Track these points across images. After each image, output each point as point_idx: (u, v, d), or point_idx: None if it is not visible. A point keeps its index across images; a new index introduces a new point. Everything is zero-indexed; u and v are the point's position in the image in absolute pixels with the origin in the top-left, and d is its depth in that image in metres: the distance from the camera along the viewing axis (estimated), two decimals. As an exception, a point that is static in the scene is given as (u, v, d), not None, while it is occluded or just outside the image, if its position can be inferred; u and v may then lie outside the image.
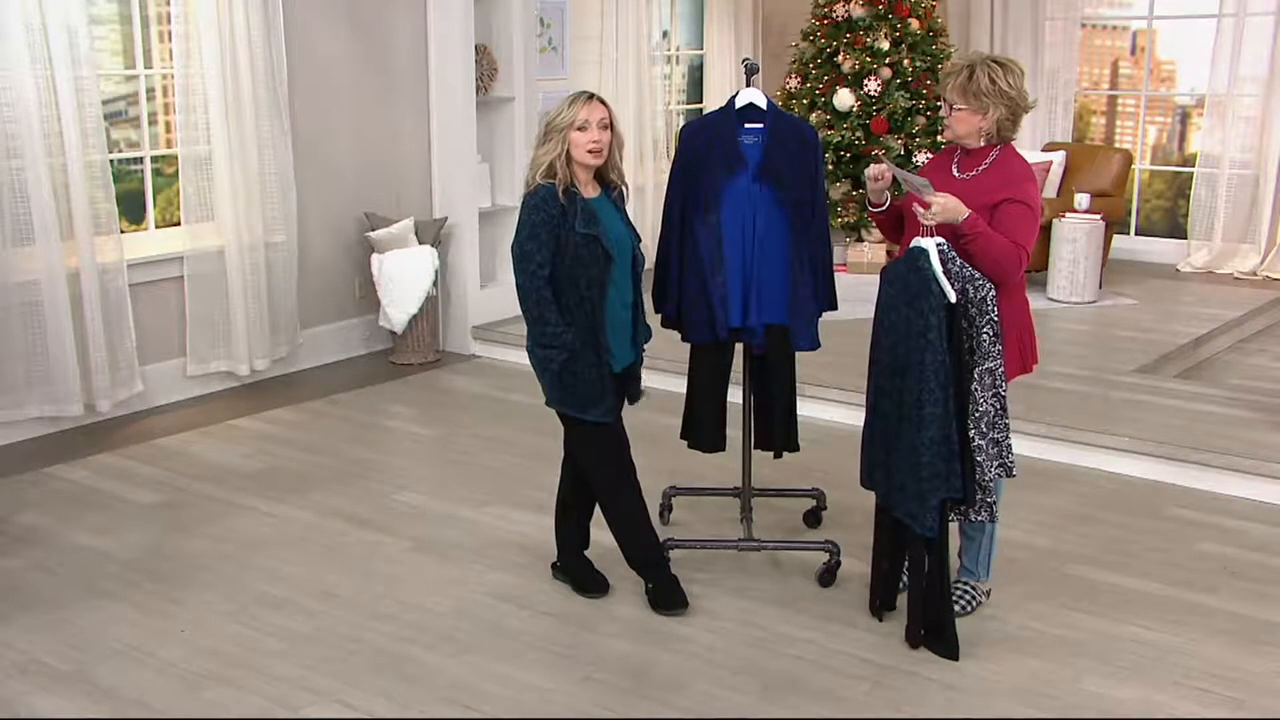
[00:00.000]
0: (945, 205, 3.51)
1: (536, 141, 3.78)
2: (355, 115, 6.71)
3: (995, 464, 3.60)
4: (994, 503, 3.63)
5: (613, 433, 3.82)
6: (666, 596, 3.89)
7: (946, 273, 3.46)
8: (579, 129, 3.65)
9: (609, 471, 3.86)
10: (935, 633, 3.63)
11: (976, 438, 3.55)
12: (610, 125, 3.70)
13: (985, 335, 3.51)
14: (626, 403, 3.94)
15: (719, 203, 3.93)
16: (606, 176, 3.80)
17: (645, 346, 3.94)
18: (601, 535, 4.06)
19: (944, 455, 3.47)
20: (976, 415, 3.55)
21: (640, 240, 3.89)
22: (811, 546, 4.24)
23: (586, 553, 4.10)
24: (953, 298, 3.44)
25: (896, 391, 3.57)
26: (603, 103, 3.70)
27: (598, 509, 3.99)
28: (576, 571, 4.06)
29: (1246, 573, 4.23)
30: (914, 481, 3.53)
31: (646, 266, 3.92)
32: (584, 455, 3.89)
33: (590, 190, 3.76)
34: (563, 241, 3.66)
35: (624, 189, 3.87)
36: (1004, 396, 3.57)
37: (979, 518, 3.64)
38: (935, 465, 3.47)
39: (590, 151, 3.66)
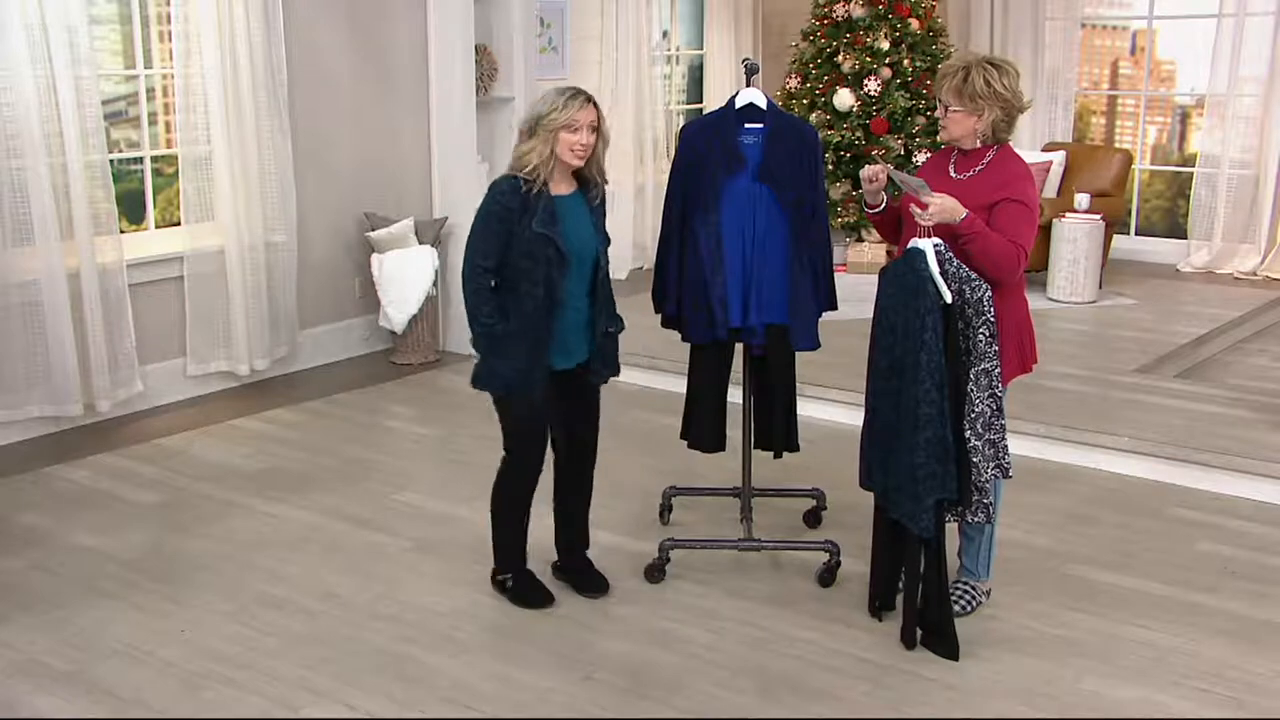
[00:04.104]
0: (942, 206, 3.51)
1: (522, 133, 3.70)
2: (355, 115, 6.71)
3: (992, 465, 3.60)
4: (990, 504, 3.63)
5: (532, 425, 3.83)
6: (526, 593, 3.94)
7: (944, 274, 3.46)
8: (570, 130, 3.63)
9: (517, 464, 3.88)
10: (935, 633, 3.63)
11: (973, 438, 3.55)
12: (598, 128, 3.69)
13: (981, 336, 3.51)
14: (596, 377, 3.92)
15: (719, 203, 3.93)
16: (587, 175, 3.78)
17: (607, 352, 3.90)
18: (601, 536, 4.06)
19: (939, 456, 3.47)
20: (972, 416, 3.55)
21: (608, 244, 3.85)
22: (811, 546, 4.24)
23: (578, 555, 4.11)
24: (948, 298, 3.44)
25: (894, 393, 3.57)
26: (596, 105, 3.70)
27: (594, 509, 4.00)
28: (577, 572, 4.06)
29: (1246, 573, 4.23)
30: (910, 482, 3.53)
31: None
32: (504, 434, 3.88)
33: (563, 187, 3.73)
34: (515, 236, 3.64)
35: (604, 189, 3.84)
36: (1000, 397, 3.57)
37: (975, 519, 3.64)
38: (930, 466, 3.48)
39: (575, 153, 3.65)
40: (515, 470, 3.90)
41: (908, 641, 3.66)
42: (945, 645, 3.61)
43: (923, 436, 3.47)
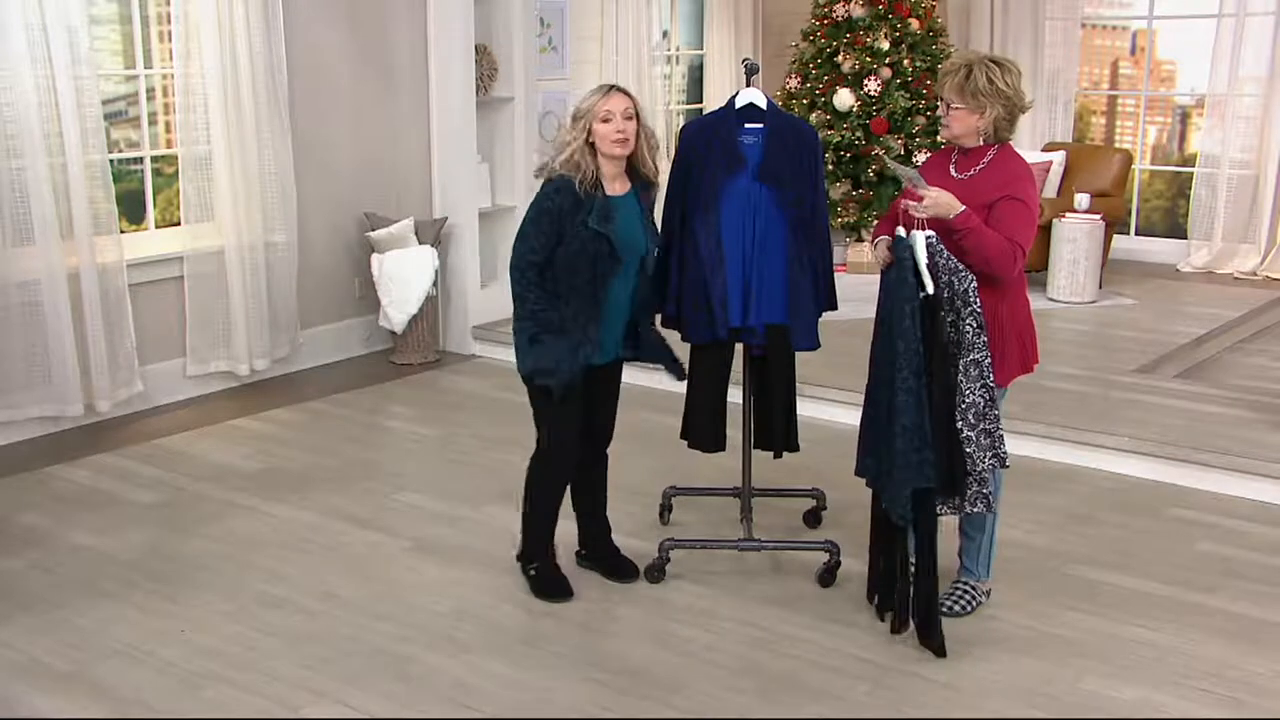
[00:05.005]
0: (936, 200, 3.52)
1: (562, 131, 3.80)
2: (355, 115, 6.71)
3: (989, 455, 3.59)
4: (990, 494, 3.63)
5: (568, 420, 3.85)
6: (548, 585, 3.97)
7: (933, 265, 3.47)
8: (603, 121, 3.67)
9: (553, 457, 3.91)
10: (922, 627, 3.64)
11: (965, 429, 3.55)
12: (636, 116, 3.73)
13: (969, 327, 3.51)
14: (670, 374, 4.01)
15: (719, 203, 3.92)
16: (639, 171, 3.82)
17: (651, 345, 3.96)
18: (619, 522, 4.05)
19: (915, 445, 3.48)
20: (964, 407, 3.54)
21: (659, 243, 3.90)
22: (811, 546, 4.24)
23: (604, 542, 4.15)
24: (930, 289, 3.46)
25: (884, 382, 3.59)
26: (627, 94, 3.74)
27: (612, 492, 4.08)
28: (606, 559, 4.11)
29: (1246, 573, 4.23)
30: (890, 470, 3.55)
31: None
32: (539, 427, 3.92)
33: (618, 186, 3.77)
34: (569, 234, 3.68)
35: (655, 187, 3.90)
36: (992, 388, 3.56)
37: (975, 509, 3.64)
38: (907, 454, 3.49)
39: (615, 142, 3.69)
40: (549, 461, 3.93)
41: (894, 629, 3.70)
42: (932, 639, 3.62)
43: (899, 424, 3.49)
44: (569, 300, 3.72)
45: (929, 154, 8.19)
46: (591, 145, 3.70)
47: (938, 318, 3.48)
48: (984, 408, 3.57)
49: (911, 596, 3.67)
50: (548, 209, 3.70)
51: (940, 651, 3.60)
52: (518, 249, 3.74)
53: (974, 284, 3.50)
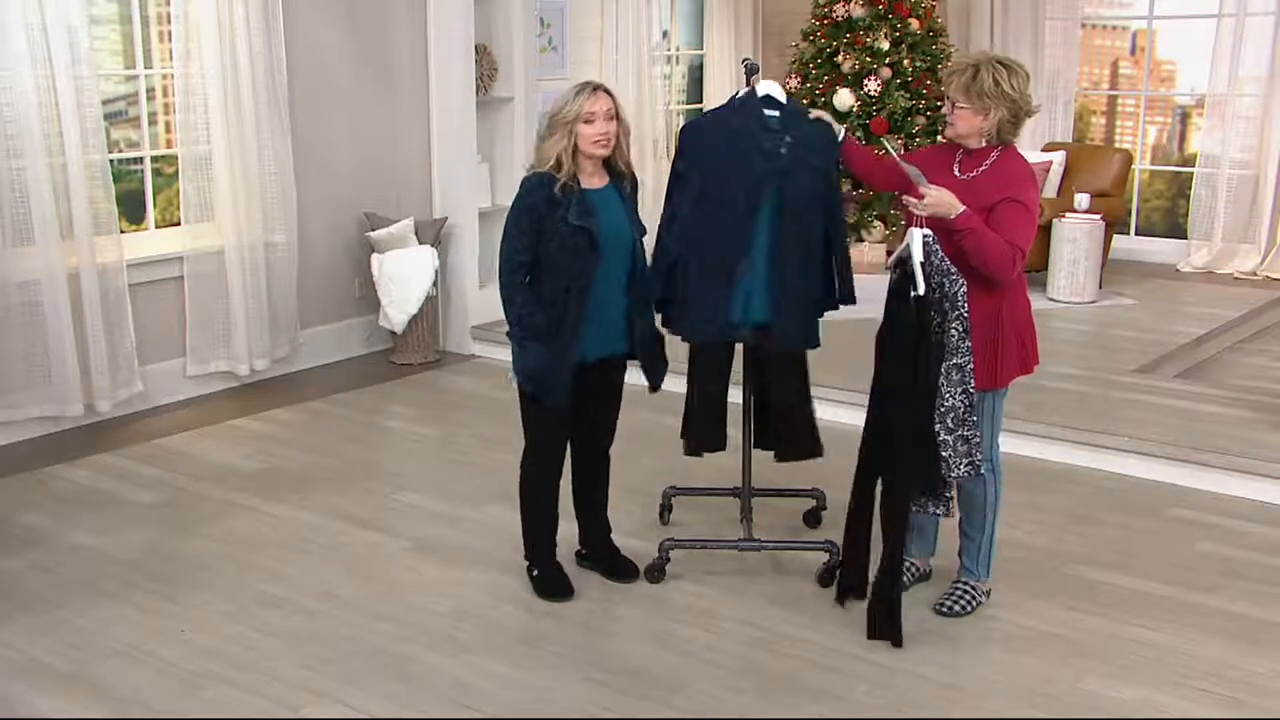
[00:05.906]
0: (938, 200, 3.52)
1: (539, 135, 3.80)
2: (355, 115, 6.71)
3: (965, 462, 3.58)
4: (951, 499, 3.66)
5: (552, 421, 3.86)
6: (548, 585, 3.98)
7: (927, 265, 3.47)
8: (586, 122, 3.66)
9: (537, 456, 3.93)
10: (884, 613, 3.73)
11: (942, 433, 3.55)
12: (616, 115, 3.72)
13: (955, 331, 3.51)
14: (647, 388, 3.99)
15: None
16: (615, 166, 3.81)
17: (644, 336, 3.93)
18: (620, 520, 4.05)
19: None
20: (943, 411, 3.54)
21: (644, 233, 3.89)
22: (811, 546, 4.24)
23: (603, 542, 4.16)
24: (920, 289, 3.46)
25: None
26: (608, 93, 3.72)
27: (612, 492, 4.10)
28: (605, 558, 4.11)
29: (1246, 573, 4.23)
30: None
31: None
32: (524, 426, 3.95)
33: (596, 181, 3.77)
34: (549, 231, 3.68)
35: (634, 178, 3.90)
36: (973, 394, 3.56)
37: (936, 511, 3.68)
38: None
39: (597, 143, 3.69)
40: (535, 460, 3.94)
41: (839, 598, 3.88)
42: (890, 629, 3.68)
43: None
44: (555, 301, 3.72)
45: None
46: (574, 146, 3.69)
47: (925, 317, 3.49)
48: (963, 413, 3.56)
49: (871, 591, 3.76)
50: (526, 207, 3.71)
51: (896, 640, 3.66)
52: (504, 251, 3.75)
53: (964, 289, 3.50)
